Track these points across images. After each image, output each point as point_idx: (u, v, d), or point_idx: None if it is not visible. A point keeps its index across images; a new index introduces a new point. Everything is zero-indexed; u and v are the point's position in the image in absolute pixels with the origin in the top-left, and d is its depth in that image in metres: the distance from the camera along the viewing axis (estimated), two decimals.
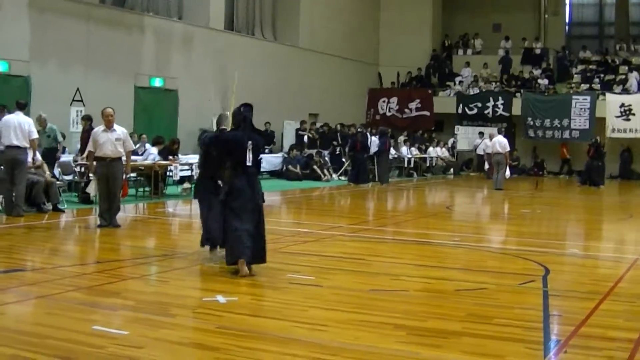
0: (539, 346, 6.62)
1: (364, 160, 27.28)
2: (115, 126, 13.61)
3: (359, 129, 29.58)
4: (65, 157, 18.81)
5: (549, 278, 9.80)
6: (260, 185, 9.78)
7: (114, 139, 13.43)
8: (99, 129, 13.57)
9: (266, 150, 28.96)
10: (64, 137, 19.36)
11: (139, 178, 19.82)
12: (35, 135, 15.06)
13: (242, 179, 9.48)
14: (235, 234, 9.32)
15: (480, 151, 34.11)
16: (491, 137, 28.00)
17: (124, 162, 13.76)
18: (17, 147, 14.60)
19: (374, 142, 28.18)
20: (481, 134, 34.82)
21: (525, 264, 10.97)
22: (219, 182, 10.16)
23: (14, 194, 14.65)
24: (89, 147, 13.62)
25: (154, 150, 19.77)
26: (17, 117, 14.84)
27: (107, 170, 13.44)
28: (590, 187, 28.52)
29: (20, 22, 20.45)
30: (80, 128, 19.67)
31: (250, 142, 9.51)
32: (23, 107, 15.38)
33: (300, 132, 30.51)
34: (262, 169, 26.71)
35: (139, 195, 19.44)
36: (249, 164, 9.50)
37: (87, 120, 18.08)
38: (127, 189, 14.68)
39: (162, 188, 19.72)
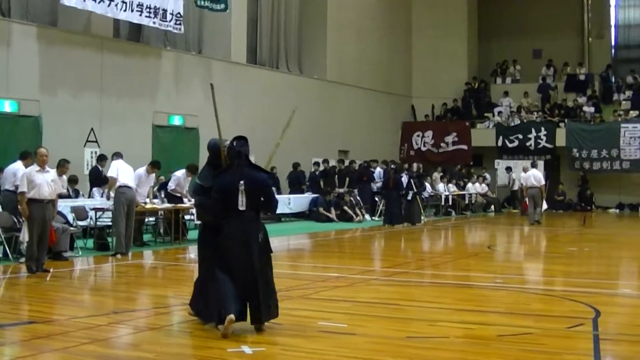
0: None
1: (398, 198, 26.92)
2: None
3: (392, 166, 29.26)
4: (80, 202, 18.87)
5: (600, 320, 9.69)
6: (266, 231, 8.96)
7: (49, 180, 13.74)
8: (32, 169, 13.70)
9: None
10: None
11: (157, 222, 19.86)
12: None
13: (234, 226, 8.70)
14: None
15: (515, 187, 34.21)
16: (525, 170, 28.17)
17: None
18: (132, 187, 16.77)
19: (407, 181, 27.95)
20: (509, 168, 34.95)
21: (574, 306, 10.86)
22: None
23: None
24: (22, 189, 13.51)
25: (179, 173, 19.55)
26: (124, 163, 17.08)
27: (45, 212, 13.68)
28: None
29: (30, 58, 20.64)
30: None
31: (242, 182, 8.68)
32: (121, 156, 17.58)
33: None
34: (289, 211, 27.15)
35: (159, 241, 19.49)
36: (241, 208, 8.68)
37: None
38: (53, 235, 14.59)
39: (183, 233, 19.65)
